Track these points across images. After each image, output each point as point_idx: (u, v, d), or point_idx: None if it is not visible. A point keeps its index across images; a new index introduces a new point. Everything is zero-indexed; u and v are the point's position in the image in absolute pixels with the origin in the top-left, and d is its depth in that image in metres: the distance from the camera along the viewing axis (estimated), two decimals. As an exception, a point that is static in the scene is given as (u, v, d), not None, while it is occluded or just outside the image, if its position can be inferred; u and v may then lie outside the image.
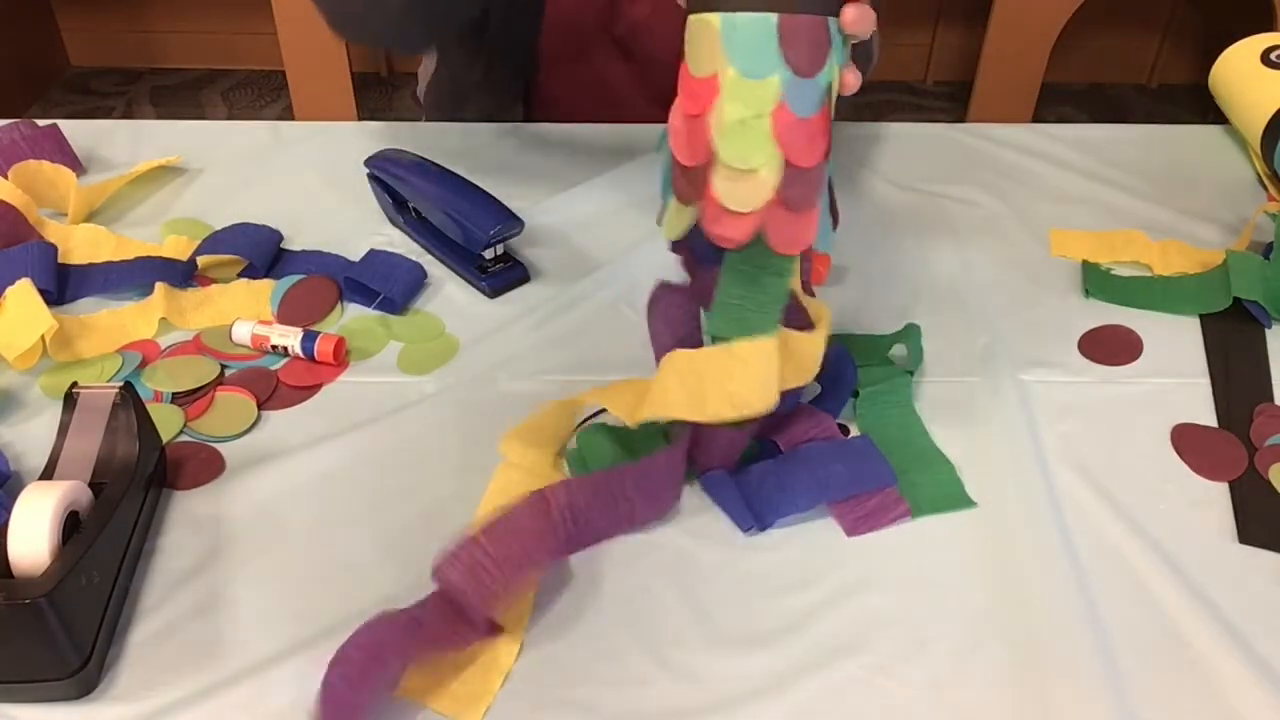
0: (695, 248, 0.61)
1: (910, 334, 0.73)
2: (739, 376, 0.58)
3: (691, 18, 0.55)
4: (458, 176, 0.80)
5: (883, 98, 2.45)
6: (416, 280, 0.79)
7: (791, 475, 0.61)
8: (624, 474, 0.58)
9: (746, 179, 0.55)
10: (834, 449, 0.63)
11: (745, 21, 0.53)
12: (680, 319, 0.64)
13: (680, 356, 0.59)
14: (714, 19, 0.54)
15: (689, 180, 0.56)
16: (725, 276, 0.59)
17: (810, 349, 0.61)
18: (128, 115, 2.37)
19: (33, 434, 0.66)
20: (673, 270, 0.63)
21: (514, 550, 0.54)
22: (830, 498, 0.61)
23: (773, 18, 0.53)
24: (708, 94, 0.54)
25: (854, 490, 0.61)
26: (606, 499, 0.58)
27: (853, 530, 0.61)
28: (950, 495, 0.63)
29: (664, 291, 0.65)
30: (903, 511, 0.61)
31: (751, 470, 0.62)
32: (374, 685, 0.50)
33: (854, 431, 0.67)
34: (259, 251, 0.80)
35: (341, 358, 0.72)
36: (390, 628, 0.51)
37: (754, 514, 0.61)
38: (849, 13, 0.54)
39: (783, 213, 0.55)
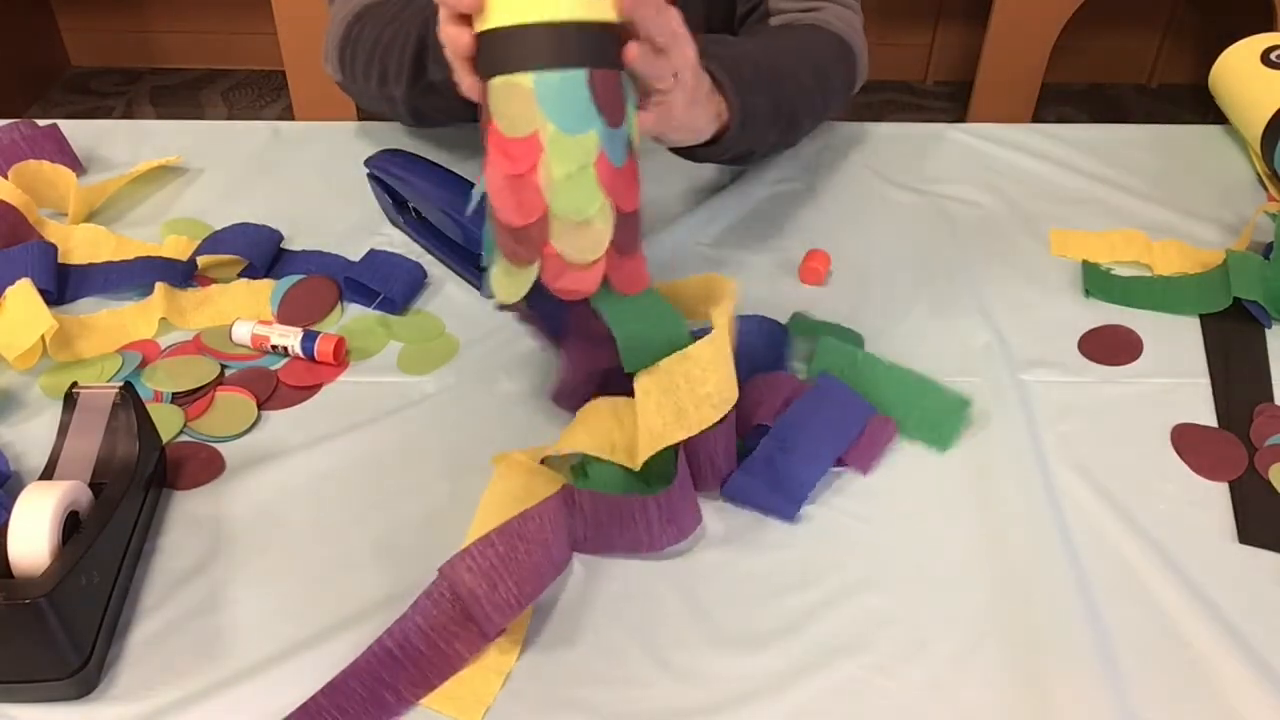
0: (534, 305, 0.62)
1: (798, 325, 0.74)
2: (707, 376, 0.59)
3: (494, 81, 0.56)
4: (458, 176, 0.80)
5: (883, 98, 2.44)
6: (416, 280, 0.79)
7: (795, 448, 0.62)
8: (647, 503, 0.58)
9: (584, 230, 0.56)
10: (812, 404, 0.65)
11: (558, 80, 0.54)
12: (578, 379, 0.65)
13: (645, 379, 0.59)
14: (526, 79, 0.54)
15: (520, 240, 0.57)
16: (613, 325, 0.60)
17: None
18: (128, 115, 2.37)
19: (33, 434, 0.66)
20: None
21: (530, 559, 0.54)
22: (837, 450, 0.63)
23: (583, 74, 0.55)
24: (529, 153, 0.55)
25: (851, 432, 0.64)
26: (625, 518, 0.58)
27: (867, 468, 0.64)
28: (951, 417, 0.67)
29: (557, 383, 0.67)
30: (891, 431, 0.66)
31: (755, 460, 0.62)
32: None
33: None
34: (259, 251, 0.80)
35: (341, 358, 0.72)
36: (382, 667, 0.52)
37: (787, 501, 0.61)
38: (631, 50, 0.56)
39: (618, 257, 0.57)
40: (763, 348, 0.70)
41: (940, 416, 0.67)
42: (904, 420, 0.67)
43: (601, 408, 0.62)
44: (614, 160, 0.56)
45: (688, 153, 0.75)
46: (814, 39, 0.84)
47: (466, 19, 0.56)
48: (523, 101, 0.55)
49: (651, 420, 0.59)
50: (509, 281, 0.58)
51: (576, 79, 0.54)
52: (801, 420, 0.64)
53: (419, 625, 0.53)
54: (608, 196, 0.56)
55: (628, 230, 0.58)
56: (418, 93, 0.79)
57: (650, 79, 0.59)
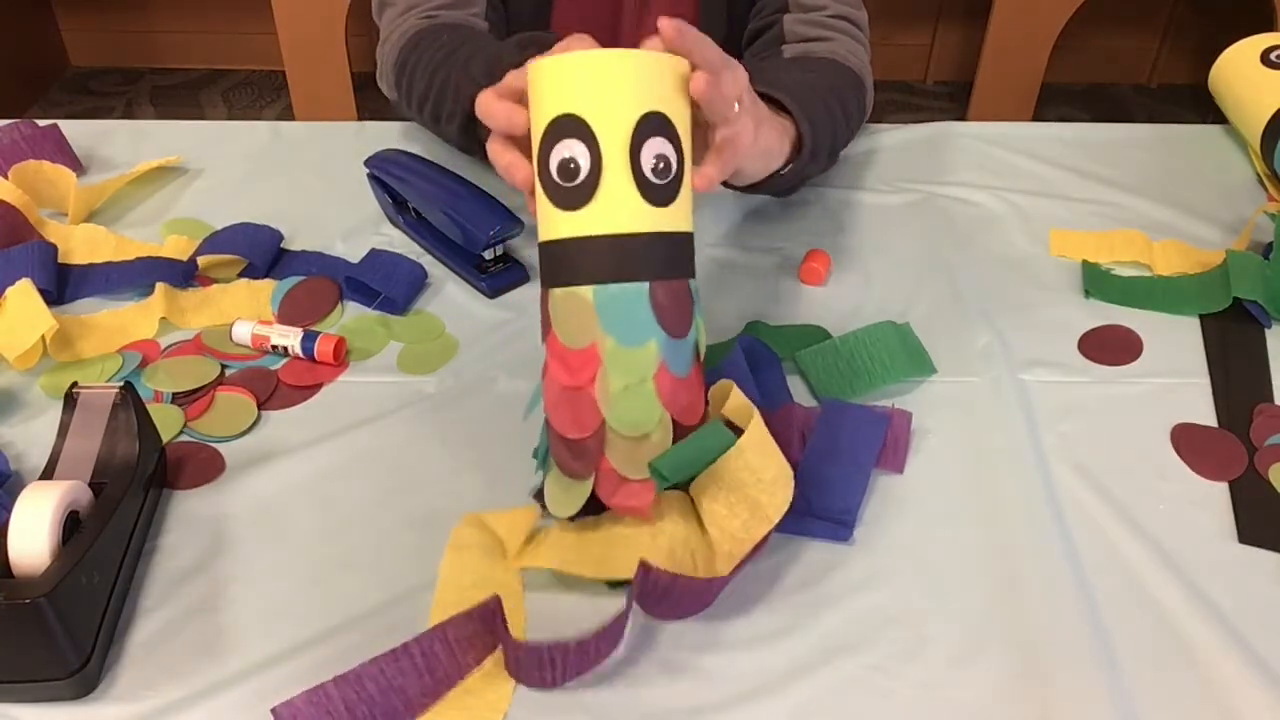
0: None
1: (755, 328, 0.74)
2: (767, 463, 0.57)
3: (555, 291, 0.55)
4: (458, 176, 0.80)
5: (883, 98, 2.44)
6: (417, 280, 0.79)
7: (828, 476, 0.62)
8: (720, 583, 0.55)
9: (641, 445, 0.55)
10: (827, 433, 0.64)
11: (619, 292, 0.54)
12: None
13: (708, 484, 0.57)
14: (586, 292, 0.54)
15: (576, 454, 0.55)
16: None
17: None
18: (128, 115, 2.37)
19: (33, 434, 0.66)
20: None
21: (585, 642, 0.52)
22: (868, 465, 0.63)
23: (645, 286, 0.54)
24: (587, 366, 0.54)
25: (874, 443, 0.64)
26: (703, 593, 0.56)
27: (901, 467, 0.64)
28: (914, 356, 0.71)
29: None
30: (906, 417, 0.66)
31: (794, 499, 0.61)
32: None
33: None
34: (259, 251, 0.80)
35: (341, 358, 0.72)
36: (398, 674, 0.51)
37: (839, 525, 0.60)
38: (697, 81, 0.54)
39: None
40: (764, 380, 0.69)
41: (908, 346, 0.71)
42: (892, 369, 0.69)
43: (666, 501, 0.58)
44: (676, 371, 0.55)
45: (753, 186, 0.73)
46: (833, 72, 0.83)
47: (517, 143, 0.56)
48: (581, 313, 0.54)
49: (728, 524, 0.57)
50: (563, 495, 0.56)
51: (637, 291, 0.54)
52: (823, 449, 0.63)
53: (445, 636, 0.52)
54: (667, 409, 0.55)
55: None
56: (471, 139, 0.79)
57: (715, 112, 0.57)
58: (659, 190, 0.54)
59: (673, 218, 0.55)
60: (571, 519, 0.57)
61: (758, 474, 0.56)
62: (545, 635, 0.55)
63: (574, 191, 0.54)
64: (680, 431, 0.56)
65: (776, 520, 0.56)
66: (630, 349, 0.54)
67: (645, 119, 0.53)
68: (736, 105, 0.58)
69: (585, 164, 0.53)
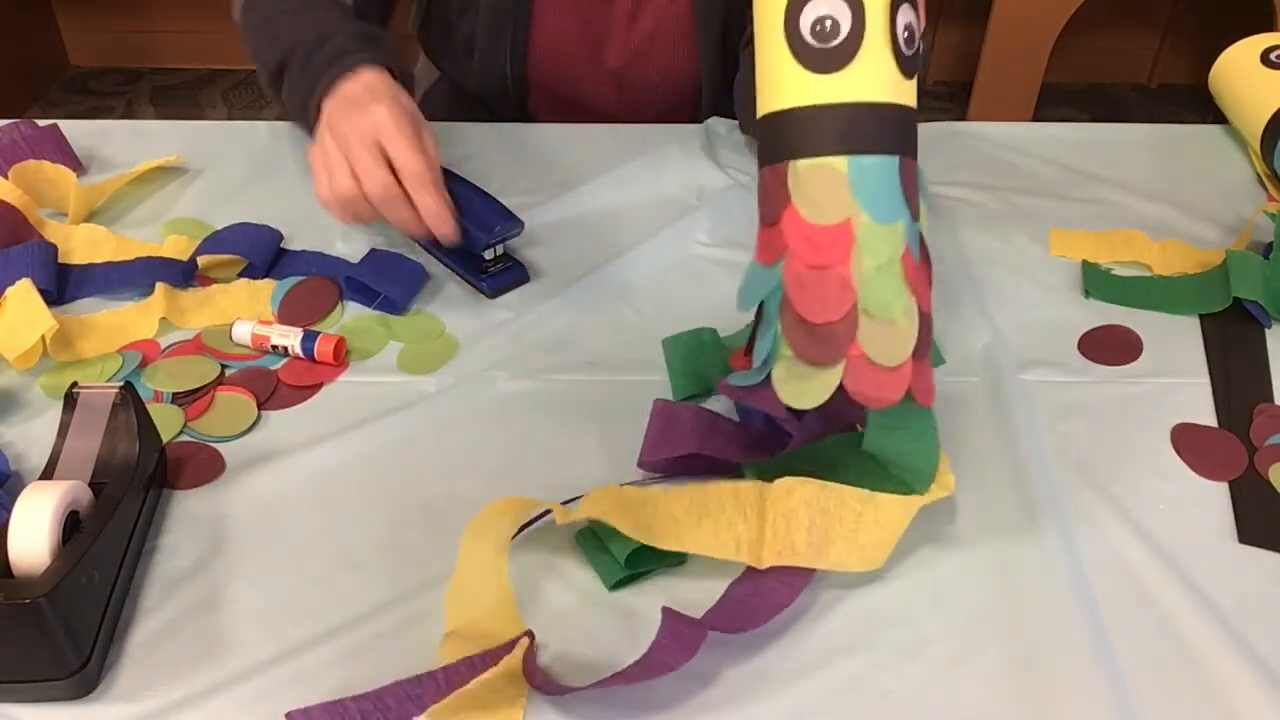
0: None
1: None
2: (878, 533, 0.55)
3: (800, 164, 0.52)
4: (458, 176, 0.80)
5: (883, 98, 2.45)
6: (416, 280, 0.79)
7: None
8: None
9: (891, 329, 0.52)
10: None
11: (873, 165, 0.51)
12: (683, 436, 0.61)
13: (817, 493, 0.55)
14: (839, 162, 0.51)
15: (820, 339, 0.51)
16: (873, 421, 0.56)
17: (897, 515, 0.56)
18: (128, 115, 2.37)
19: (33, 434, 0.66)
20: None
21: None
22: None
23: (896, 161, 0.52)
24: (838, 242, 0.51)
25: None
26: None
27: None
28: None
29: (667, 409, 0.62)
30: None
31: None
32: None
33: None
34: (259, 251, 0.80)
35: (341, 358, 0.72)
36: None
37: None
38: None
39: (916, 364, 0.52)
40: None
41: None
42: None
43: (723, 496, 0.56)
44: (915, 256, 0.53)
45: None
46: None
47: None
48: (834, 186, 0.51)
49: (796, 535, 0.54)
50: (802, 385, 0.52)
51: (890, 165, 0.52)
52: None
53: (470, 664, 0.52)
54: (913, 295, 0.52)
55: (925, 334, 0.53)
56: (278, 91, 0.83)
57: None
58: (908, 61, 0.52)
59: (912, 93, 0.53)
60: (810, 411, 0.53)
61: (858, 530, 0.55)
62: (541, 635, 0.55)
63: (831, 54, 0.51)
64: (921, 320, 0.53)
65: (827, 568, 0.55)
66: (884, 225, 0.52)
67: None
68: None
69: (846, 25, 0.50)
